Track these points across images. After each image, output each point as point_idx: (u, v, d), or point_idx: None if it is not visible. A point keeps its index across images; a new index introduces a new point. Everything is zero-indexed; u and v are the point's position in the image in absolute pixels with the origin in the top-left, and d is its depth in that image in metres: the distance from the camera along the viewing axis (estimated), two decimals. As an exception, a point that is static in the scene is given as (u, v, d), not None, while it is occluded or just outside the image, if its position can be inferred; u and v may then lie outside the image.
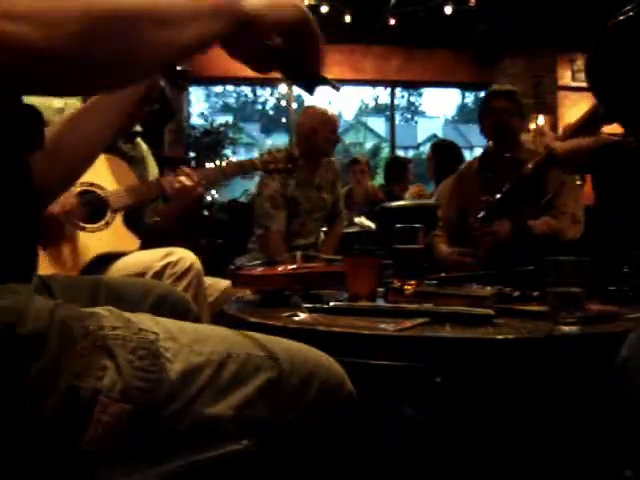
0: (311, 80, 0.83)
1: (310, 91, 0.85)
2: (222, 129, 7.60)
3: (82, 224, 1.84)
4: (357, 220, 4.33)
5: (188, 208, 1.98)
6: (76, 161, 1.06)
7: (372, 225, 4.10)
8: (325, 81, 0.84)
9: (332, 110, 3.32)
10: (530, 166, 1.80)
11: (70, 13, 0.53)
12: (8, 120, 0.66)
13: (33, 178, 0.74)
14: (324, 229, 3.39)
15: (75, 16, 0.53)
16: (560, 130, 6.65)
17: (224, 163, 2.08)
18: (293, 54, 0.78)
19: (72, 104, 1.61)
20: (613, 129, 1.67)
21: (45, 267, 1.72)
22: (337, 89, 0.87)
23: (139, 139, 2.20)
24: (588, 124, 1.74)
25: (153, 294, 1.17)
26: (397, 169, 5.53)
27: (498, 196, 2.01)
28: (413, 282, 1.52)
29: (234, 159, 7.91)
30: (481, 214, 2.10)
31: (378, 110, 20.70)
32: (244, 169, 2.15)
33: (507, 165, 2.39)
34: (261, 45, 0.75)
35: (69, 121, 1.02)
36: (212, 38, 0.68)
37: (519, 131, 2.54)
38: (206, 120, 9.07)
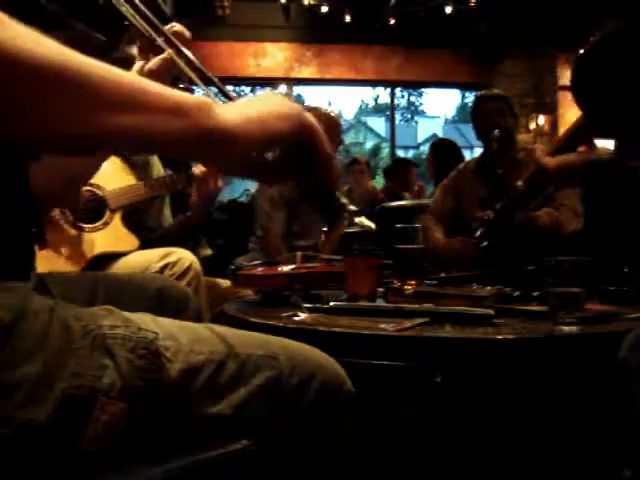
0: (328, 202, 0.74)
1: (332, 220, 0.79)
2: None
3: (81, 224, 1.84)
4: (357, 220, 4.32)
5: (214, 197, 2.01)
6: (76, 172, 1.07)
7: (372, 225, 4.10)
8: (339, 207, 0.76)
9: (334, 112, 3.32)
10: (520, 184, 1.81)
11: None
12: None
13: (33, 185, 0.74)
14: (324, 229, 3.39)
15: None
16: (560, 130, 6.65)
17: None
18: (300, 168, 0.70)
19: None
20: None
21: (44, 268, 1.71)
22: (353, 214, 0.78)
23: None
24: (576, 137, 1.76)
25: (152, 288, 1.16)
26: (399, 170, 5.57)
27: (492, 215, 2.02)
28: (413, 282, 1.52)
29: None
30: (478, 232, 2.11)
31: (378, 110, 20.71)
32: None
33: (506, 167, 2.41)
34: (258, 160, 0.67)
35: None
36: (160, 137, 0.59)
37: (513, 130, 2.57)
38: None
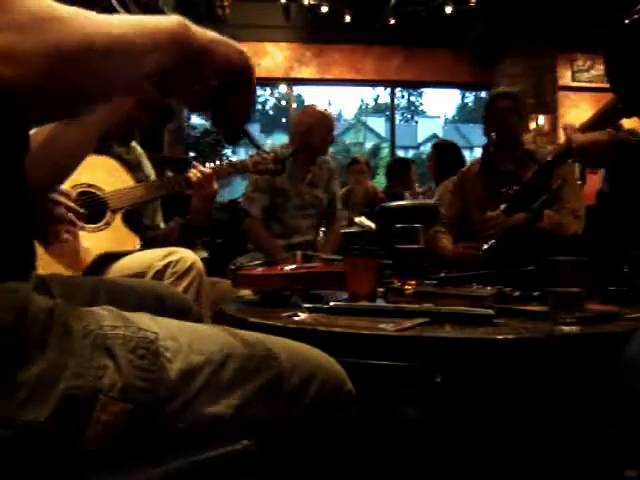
0: (236, 131, 0.83)
1: (232, 141, 0.85)
2: (222, 129, 7.59)
3: (83, 225, 1.85)
4: (357, 220, 4.32)
5: (212, 198, 2.05)
6: (62, 164, 1.08)
7: (372, 225, 4.10)
8: (249, 136, 0.84)
9: (330, 110, 3.32)
10: (549, 158, 1.81)
11: (40, 49, 0.52)
12: None
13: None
14: (323, 229, 3.39)
15: (45, 52, 0.53)
16: (560, 130, 6.66)
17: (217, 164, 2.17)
18: (227, 100, 0.76)
19: None
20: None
21: (46, 269, 1.71)
22: (258, 148, 0.86)
23: (134, 143, 2.20)
24: (607, 117, 1.75)
25: (153, 294, 1.17)
26: (400, 169, 5.56)
27: (517, 188, 2.03)
28: (413, 282, 1.52)
29: (234, 159, 7.94)
30: (502, 207, 2.11)
31: (378, 110, 20.72)
32: (236, 169, 2.20)
33: (510, 163, 2.43)
34: (200, 82, 0.73)
35: (55, 128, 1.04)
36: (166, 67, 0.66)
37: (520, 130, 2.58)
38: (206, 120, 9.09)
